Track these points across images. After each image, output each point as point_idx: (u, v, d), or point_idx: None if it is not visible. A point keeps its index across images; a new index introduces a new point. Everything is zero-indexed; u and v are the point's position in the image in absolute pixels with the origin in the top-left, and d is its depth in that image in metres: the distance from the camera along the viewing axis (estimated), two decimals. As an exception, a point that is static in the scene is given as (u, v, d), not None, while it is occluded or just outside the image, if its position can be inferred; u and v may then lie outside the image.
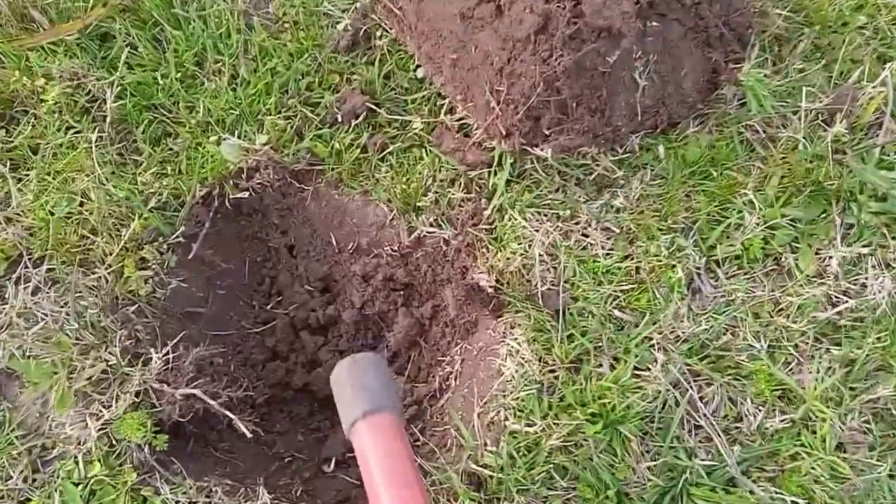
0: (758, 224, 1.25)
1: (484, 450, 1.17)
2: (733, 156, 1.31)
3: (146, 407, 1.16)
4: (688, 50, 1.29)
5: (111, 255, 1.27)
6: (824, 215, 1.27)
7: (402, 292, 1.39)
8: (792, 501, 1.09)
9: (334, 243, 1.41)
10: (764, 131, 1.33)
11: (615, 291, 1.24)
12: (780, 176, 1.29)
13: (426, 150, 1.37)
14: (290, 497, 1.21)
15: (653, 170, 1.32)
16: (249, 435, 1.11)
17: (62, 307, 1.23)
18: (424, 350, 1.39)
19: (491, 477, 1.14)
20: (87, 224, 1.30)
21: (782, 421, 1.15)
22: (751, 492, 1.10)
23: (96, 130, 1.38)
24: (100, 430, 1.15)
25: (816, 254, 1.25)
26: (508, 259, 1.25)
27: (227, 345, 1.35)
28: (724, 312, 1.22)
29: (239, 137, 1.39)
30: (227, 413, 1.11)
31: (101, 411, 1.16)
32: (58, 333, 1.21)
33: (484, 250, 1.29)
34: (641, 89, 1.27)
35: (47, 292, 1.25)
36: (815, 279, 1.24)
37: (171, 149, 1.40)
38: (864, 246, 1.24)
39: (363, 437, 0.78)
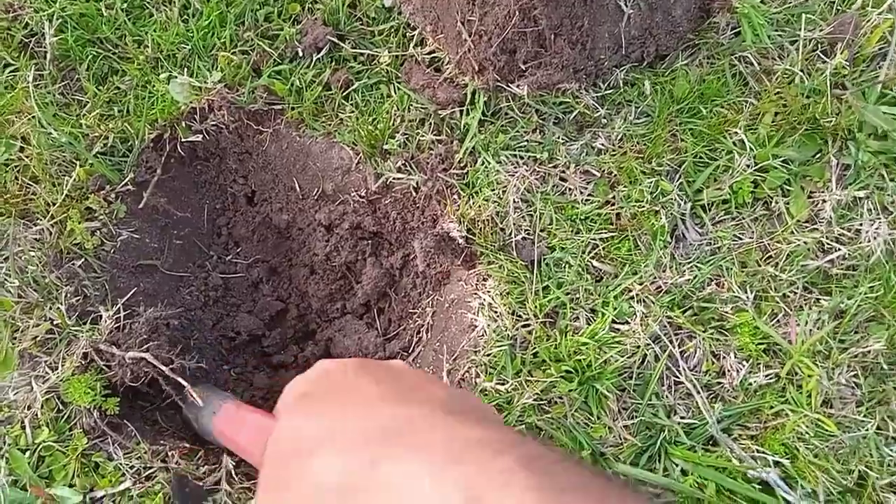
0: (748, 166, 1.17)
1: (454, 409, 1.11)
2: (724, 91, 1.21)
3: (95, 369, 1.09)
4: (677, -26, 1.18)
5: (54, 205, 1.18)
6: (819, 155, 1.18)
7: (370, 241, 1.31)
8: (774, 461, 1.04)
9: (297, 189, 1.32)
10: (759, 63, 1.22)
11: (594, 240, 1.16)
12: (773, 113, 1.19)
13: (394, 87, 1.26)
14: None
15: (637, 107, 1.22)
16: (201, 404, 1.04)
17: (3, 262, 1.15)
18: (395, 302, 1.32)
19: (461, 437, 1.09)
20: (28, 171, 1.21)
21: (766, 376, 1.09)
22: (731, 451, 1.06)
23: (35, 68, 1.27)
24: (46, 393, 1.09)
25: (809, 197, 1.17)
26: (481, 207, 1.17)
27: (182, 302, 1.28)
28: (709, 261, 1.15)
29: (191, 75, 1.28)
30: (180, 380, 1.05)
31: (47, 373, 1.10)
32: (-1, 291, 1.13)
33: (455, 197, 1.20)
34: (627, 18, 1.16)
35: (-13, 246, 1.17)
36: (806, 225, 1.16)
37: (118, 88, 1.29)
38: (860, 189, 1.16)
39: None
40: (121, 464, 1.08)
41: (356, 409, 0.53)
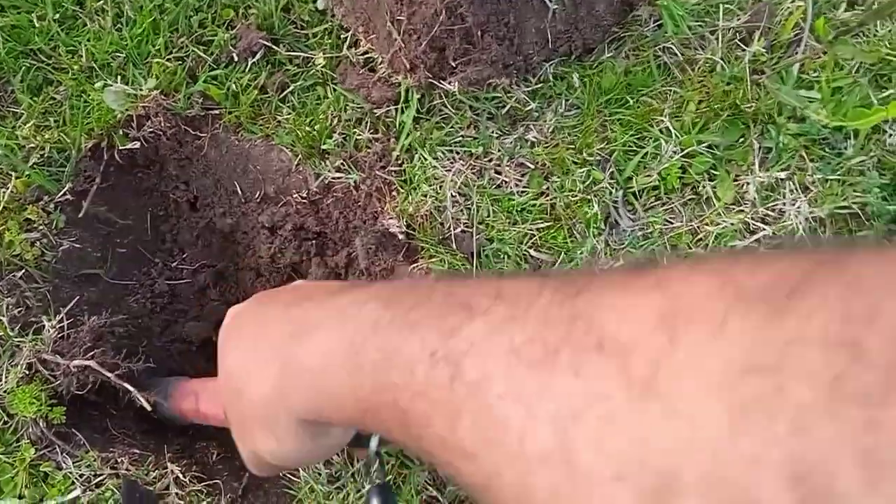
0: (675, 153, 1.21)
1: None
2: (650, 81, 1.26)
3: (40, 379, 1.09)
4: (599, -31, 1.21)
5: (-8, 218, 1.18)
6: (742, 140, 1.23)
7: (314, 241, 1.32)
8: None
9: (239, 192, 1.33)
10: (682, 54, 1.27)
11: (530, 230, 1.19)
12: (697, 101, 1.24)
13: (330, 89, 1.28)
14: (205, 462, 1.18)
15: (567, 100, 1.26)
16: (149, 408, 1.05)
17: (-58, 278, 1.15)
18: (341, 299, 1.33)
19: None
20: (-36, 186, 1.20)
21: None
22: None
23: (-33, 81, 1.27)
24: (-9, 405, 1.09)
25: (735, 181, 1.22)
26: (419, 202, 1.20)
27: (128, 310, 1.28)
28: (641, 246, 1.19)
29: (127, 83, 1.28)
30: (126, 386, 1.05)
31: (-9, 386, 1.10)
32: (-62, 306, 1.13)
33: (394, 194, 1.23)
34: (552, 13, 1.19)
35: (-76, 262, 1.16)
36: (732, 207, 1.21)
37: (53, 98, 1.29)
38: (782, 170, 1.21)
39: None
40: (70, 472, 1.08)
41: (264, 336, 0.60)
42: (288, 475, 1.17)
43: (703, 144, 1.21)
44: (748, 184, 1.21)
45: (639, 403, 0.32)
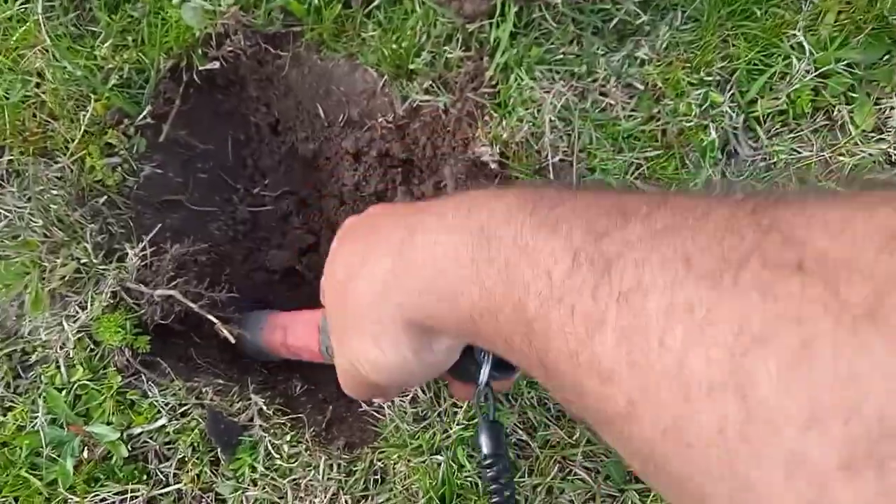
0: (807, 72, 1.07)
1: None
2: (781, -11, 1.10)
3: (124, 308, 1.07)
4: None
5: (73, 141, 1.14)
6: (887, 58, 1.07)
7: (399, 169, 1.25)
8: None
9: (322, 116, 1.26)
10: (820, -43, 1.11)
11: (638, 159, 1.08)
12: (836, 12, 1.08)
13: (419, 2, 1.18)
14: (289, 395, 1.15)
15: (684, 11, 1.12)
16: (233, 340, 1.02)
17: (27, 202, 1.13)
18: (428, 231, 1.26)
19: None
20: (45, 108, 1.17)
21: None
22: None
23: (45, -1, 1.22)
24: (78, 332, 1.07)
25: (875, 104, 1.07)
26: (514, 127, 1.10)
27: (211, 238, 1.24)
28: (764, 178, 1.06)
29: (204, -2, 1.21)
30: (210, 317, 1.02)
31: (77, 313, 1.08)
32: (24, 231, 1.11)
33: (487, 118, 1.13)
34: (671, -89, 1.05)
35: (10, 187, 1.15)
36: (872, 135, 1.06)
37: (130, 16, 1.23)
38: (934, 93, 1.05)
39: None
40: (156, 401, 1.07)
41: (378, 235, 0.57)
42: (373, 411, 1.14)
43: (842, 63, 1.06)
44: (892, 108, 1.06)
45: (852, 334, 0.25)
